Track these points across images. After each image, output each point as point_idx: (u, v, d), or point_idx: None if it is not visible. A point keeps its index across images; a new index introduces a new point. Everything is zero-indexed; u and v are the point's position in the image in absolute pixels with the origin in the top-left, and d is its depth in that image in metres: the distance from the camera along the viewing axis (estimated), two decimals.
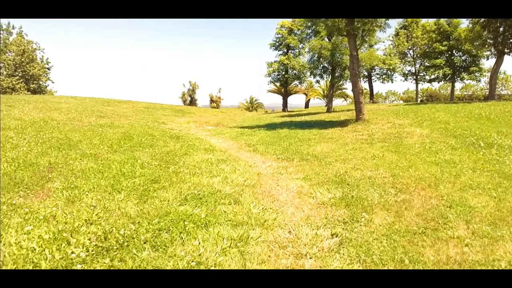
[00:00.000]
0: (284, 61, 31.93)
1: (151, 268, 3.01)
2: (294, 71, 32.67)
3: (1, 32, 47.61)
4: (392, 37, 39.62)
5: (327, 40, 23.07)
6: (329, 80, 25.44)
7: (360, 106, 14.72)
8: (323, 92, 44.19)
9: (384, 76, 38.41)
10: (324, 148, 9.57)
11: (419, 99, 46.05)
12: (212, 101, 55.11)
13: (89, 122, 13.22)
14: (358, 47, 15.20)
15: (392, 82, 33.70)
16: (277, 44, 33.07)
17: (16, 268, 2.86)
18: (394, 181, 5.85)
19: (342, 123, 14.98)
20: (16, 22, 47.07)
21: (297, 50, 33.00)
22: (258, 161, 8.10)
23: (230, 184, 5.63)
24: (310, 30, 24.69)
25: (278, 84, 36.09)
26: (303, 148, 9.74)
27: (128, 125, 13.41)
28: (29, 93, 42.63)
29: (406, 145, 9.16)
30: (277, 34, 32.72)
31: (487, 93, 48.40)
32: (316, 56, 23.71)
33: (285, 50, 32.99)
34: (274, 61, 33.25)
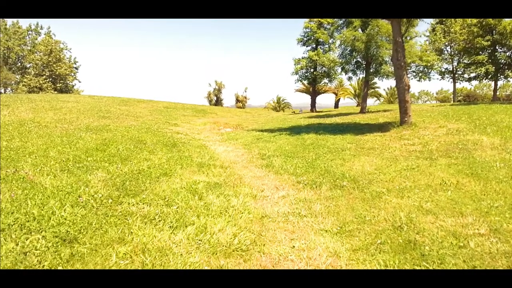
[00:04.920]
0: (313, 57, 28.90)
1: None
2: (324, 68, 29.58)
3: (29, 33, 48.43)
4: (429, 32, 35.61)
5: (361, 31, 20.07)
6: (363, 76, 22.37)
7: (406, 106, 11.79)
8: (354, 91, 41.04)
9: (421, 73, 34.48)
10: (365, 165, 6.85)
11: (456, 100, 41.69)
12: (237, 100, 53.62)
13: (79, 124, 11.25)
14: (403, 32, 12.22)
15: (430, 80, 29.83)
16: (305, 39, 30.07)
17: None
18: (504, 249, 3.13)
19: (382, 127, 12.12)
20: (44, 22, 47.51)
21: (327, 46, 29.87)
22: (268, 187, 5.57)
23: (202, 248, 3.11)
24: (342, 21, 21.74)
25: (306, 82, 33.11)
26: (335, 164, 7.07)
27: (124, 129, 11.30)
28: (55, 92, 42.76)
29: (481, 163, 6.28)
30: (305, 29, 29.67)
31: None
32: (348, 49, 20.84)
33: (314, 45, 29.93)
34: (302, 58, 30.26)
